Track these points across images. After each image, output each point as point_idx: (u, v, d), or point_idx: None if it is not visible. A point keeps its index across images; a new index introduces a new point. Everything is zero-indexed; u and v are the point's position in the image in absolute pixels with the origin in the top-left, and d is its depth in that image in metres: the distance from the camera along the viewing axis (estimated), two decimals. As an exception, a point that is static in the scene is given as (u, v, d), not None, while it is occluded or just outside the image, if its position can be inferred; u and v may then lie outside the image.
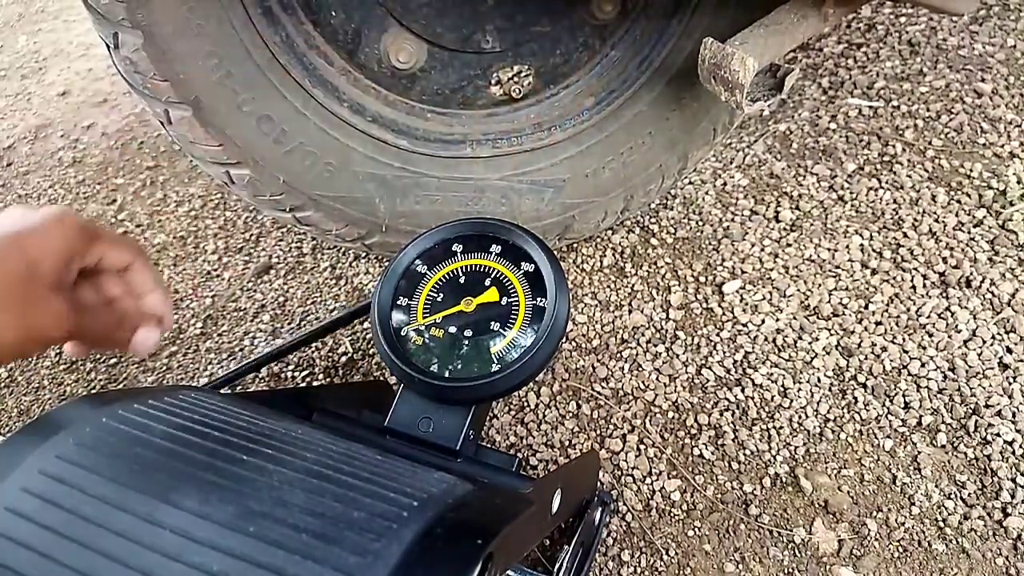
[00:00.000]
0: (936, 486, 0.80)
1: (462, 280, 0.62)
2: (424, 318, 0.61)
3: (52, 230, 0.44)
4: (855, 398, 0.88)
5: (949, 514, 0.78)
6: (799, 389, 0.90)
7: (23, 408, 1.03)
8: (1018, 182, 1.09)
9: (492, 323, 0.59)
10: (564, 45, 0.96)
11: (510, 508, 0.44)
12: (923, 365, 0.90)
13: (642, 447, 0.88)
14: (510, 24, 0.91)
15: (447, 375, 0.57)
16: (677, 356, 0.96)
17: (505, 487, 0.53)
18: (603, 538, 0.80)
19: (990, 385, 0.87)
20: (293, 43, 0.84)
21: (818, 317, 0.98)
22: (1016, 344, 0.90)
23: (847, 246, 1.06)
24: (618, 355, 0.97)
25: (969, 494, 0.79)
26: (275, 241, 1.24)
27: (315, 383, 1.00)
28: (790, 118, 1.28)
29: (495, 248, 0.63)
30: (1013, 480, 0.79)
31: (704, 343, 0.97)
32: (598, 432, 0.90)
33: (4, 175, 1.52)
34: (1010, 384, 0.87)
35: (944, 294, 0.98)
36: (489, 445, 0.91)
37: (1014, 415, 0.84)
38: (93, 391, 1.04)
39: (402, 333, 0.60)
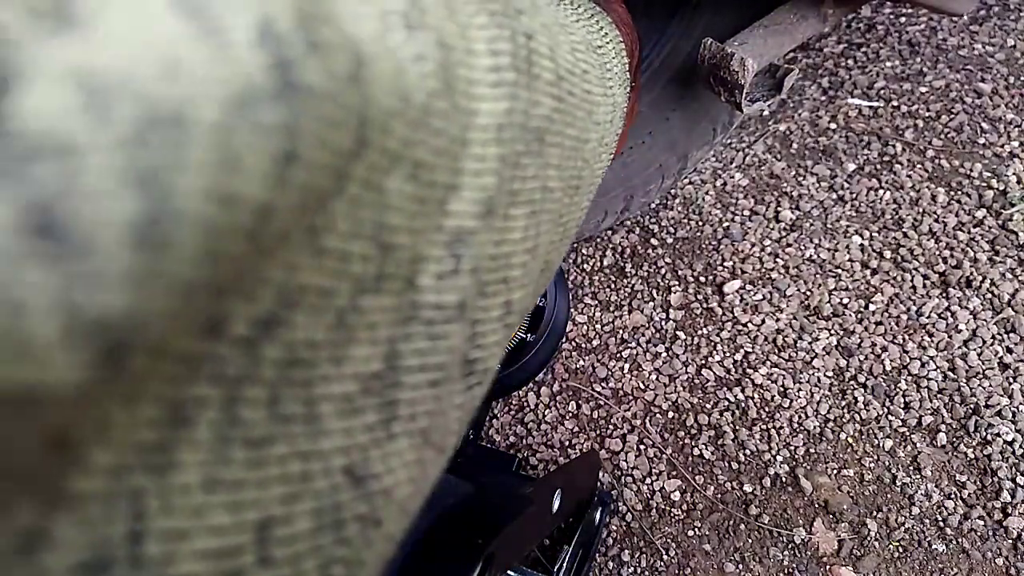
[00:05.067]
0: (936, 486, 0.80)
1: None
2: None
3: None
4: (855, 398, 0.88)
5: (949, 514, 0.78)
6: (799, 389, 0.90)
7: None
8: (1018, 182, 1.09)
9: (492, 323, 0.59)
10: (564, 45, 0.96)
11: (510, 508, 0.44)
12: (923, 365, 0.90)
13: (642, 447, 0.88)
14: (510, 24, 0.91)
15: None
16: (677, 356, 0.96)
17: (505, 487, 0.53)
18: (603, 538, 0.80)
19: (990, 385, 0.87)
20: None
21: (818, 317, 0.98)
22: (1016, 344, 0.90)
23: (847, 246, 1.06)
24: (618, 355, 0.97)
25: (969, 494, 0.79)
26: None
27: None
28: (790, 118, 1.28)
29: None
30: (1013, 480, 0.79)
31: (704, 343, 0.97)
32: (598, 432, 0.90)
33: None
34: (1010, 384, 0.87)
35: (944, 294, 0.98)
36: (489, 445, 0.91)
37: (1014, 415, 0.84)
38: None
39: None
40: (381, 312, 0.18)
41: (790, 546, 0.77)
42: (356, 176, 0.15)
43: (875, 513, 0.79)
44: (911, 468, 0.82)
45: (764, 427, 0.87)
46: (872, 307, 0.98)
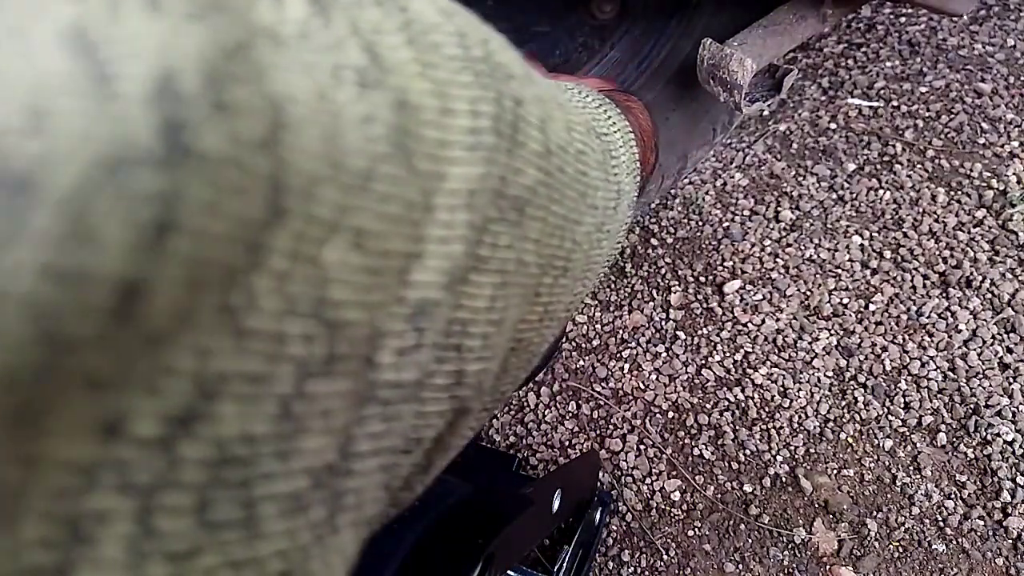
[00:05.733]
0: (936, 486, 0.80)
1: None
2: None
3: None
4: (855, 398, 0.88)
5: (949, 514, 0.78)
6: (799, 389, 0.90)
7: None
8: (1018, 182, 1.09)
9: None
10: (564, 46, 0.96)
11: (510, 508, 0.44)
12: (923, 365, 0.90)
13: (642, 447, 0.88)
14: (510, 24, 0.91)
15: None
16: (677, 356, 0.96)
17: (505, 487, 0.53)
18: (603, 538, 0.80)
19: (990, 385, 0.87)
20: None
21: (818, 317, 0.98)
22: (1016, 344, 0.90)
23: (847, 246, 1.06)
24: (618, 355, 0.98)
25: (969, 494, 0.79)
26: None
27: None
28: (790, 118, 1.28)
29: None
30: (1013, 480, 0.79)
31: (704, 343, 0.97)
32: (598, 432, 0.90)
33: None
34: (1010, 384, 0.87)
35: (944, 294, 0.98)
36: (489, 445, 0.91)
37: (1014, 415, 0.84)
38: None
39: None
40: (336, 397, 0.16)
41: (790, 546, 0.77)
42: (277, 247, 0.14)
43: (875, 513, 0.79)
44: (911, 468, 0.82)
45: (764, 427, 0.87)
46: (872, 307, 0.98)
